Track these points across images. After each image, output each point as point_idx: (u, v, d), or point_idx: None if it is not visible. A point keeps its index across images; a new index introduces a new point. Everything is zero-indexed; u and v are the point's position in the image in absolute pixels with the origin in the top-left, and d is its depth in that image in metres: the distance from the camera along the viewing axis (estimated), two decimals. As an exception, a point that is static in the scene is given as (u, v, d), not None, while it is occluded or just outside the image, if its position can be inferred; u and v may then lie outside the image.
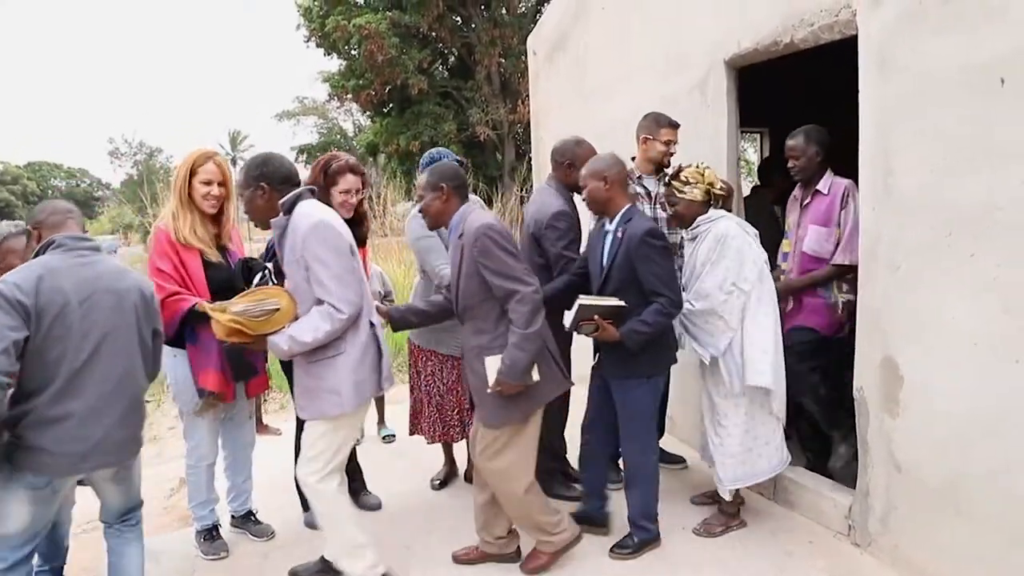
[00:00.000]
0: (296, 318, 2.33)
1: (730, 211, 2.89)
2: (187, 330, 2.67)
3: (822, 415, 3.09)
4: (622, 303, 2.56)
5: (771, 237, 3.17)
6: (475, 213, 2.47)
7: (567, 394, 2.88)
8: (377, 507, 3.33)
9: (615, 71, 4.30)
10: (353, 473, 3.35)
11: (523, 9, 19.49)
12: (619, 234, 2.64)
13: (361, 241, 3.21)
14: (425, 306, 2.73)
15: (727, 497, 2.92)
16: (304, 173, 2.83)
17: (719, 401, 2.83)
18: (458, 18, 19.10)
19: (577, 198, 3.05)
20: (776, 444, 2.88)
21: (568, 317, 2.56)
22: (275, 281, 2.65)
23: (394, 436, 4.35)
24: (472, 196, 3.31)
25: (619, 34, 4.23)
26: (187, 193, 2.73)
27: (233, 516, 3.14)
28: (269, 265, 2.81)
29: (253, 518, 3.14)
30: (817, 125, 3.01)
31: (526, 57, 6.28)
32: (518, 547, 2.76)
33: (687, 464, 3.63)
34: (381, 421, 4.51)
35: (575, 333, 2.64)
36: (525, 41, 6.46)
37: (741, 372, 2.72)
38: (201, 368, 2.70)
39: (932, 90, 2.30)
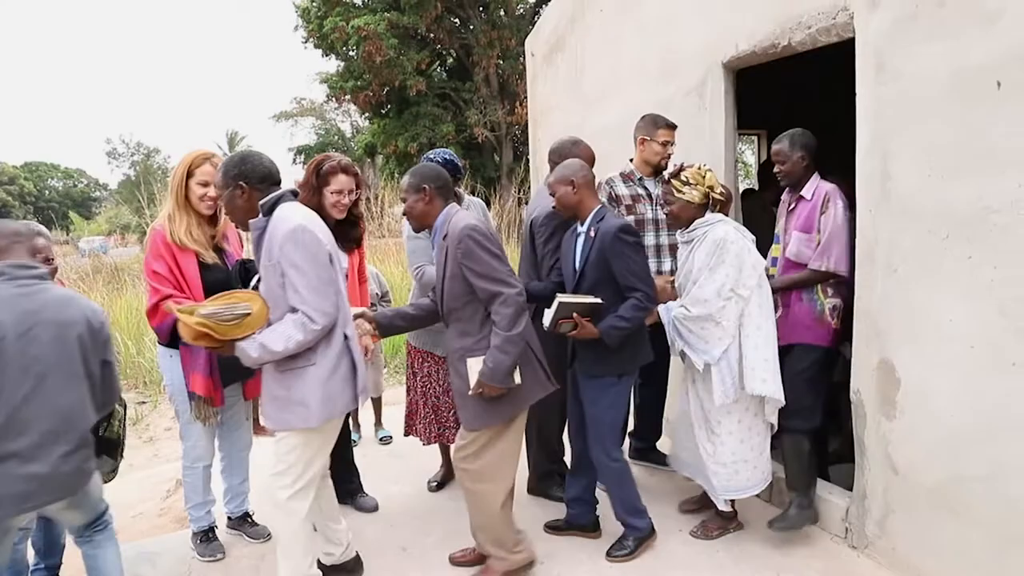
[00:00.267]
0: (269, 324, 2.23)
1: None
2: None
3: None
4: (599, 300, 2.56)
5: (768, 241, 3.15)
6: (459, 214, 2.45)
7: (565, 396, 2.87)
8: (374, 509, 3.32)
9: (613, 73, 4.30)
10: (350, 475, 3.36)
11: (521, 11, 19.47)
12: (591, 233, 2.64)
13: (357, 242, 3.22)
14: (413, 310, 2.69)
15: (723, 508, 2.89)
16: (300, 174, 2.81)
17: (711, 409, 2.78)
18: (456, 20, 19.07)
19: None
20: (767, 455, 2.85)
21: (548, 316, 2.55)
22: None
23: (391, 437, 4.35)
24: (473, 198, 3.33)
25: (616, 36, 4.22)
26: (184, 194, 2.72)
27: (229, 518, 3.13)
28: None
29: (249, 520, 3.14)
30: (804, 129, 2.91)
31: (524, 59, 6.28)
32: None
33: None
34: (378, 422, 4.51)
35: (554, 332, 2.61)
36: (523, 43, 6.46)
37: (737, 380, 2.67)
38: (190, 371, 2.69)
39: (928, 93, 2.30)
